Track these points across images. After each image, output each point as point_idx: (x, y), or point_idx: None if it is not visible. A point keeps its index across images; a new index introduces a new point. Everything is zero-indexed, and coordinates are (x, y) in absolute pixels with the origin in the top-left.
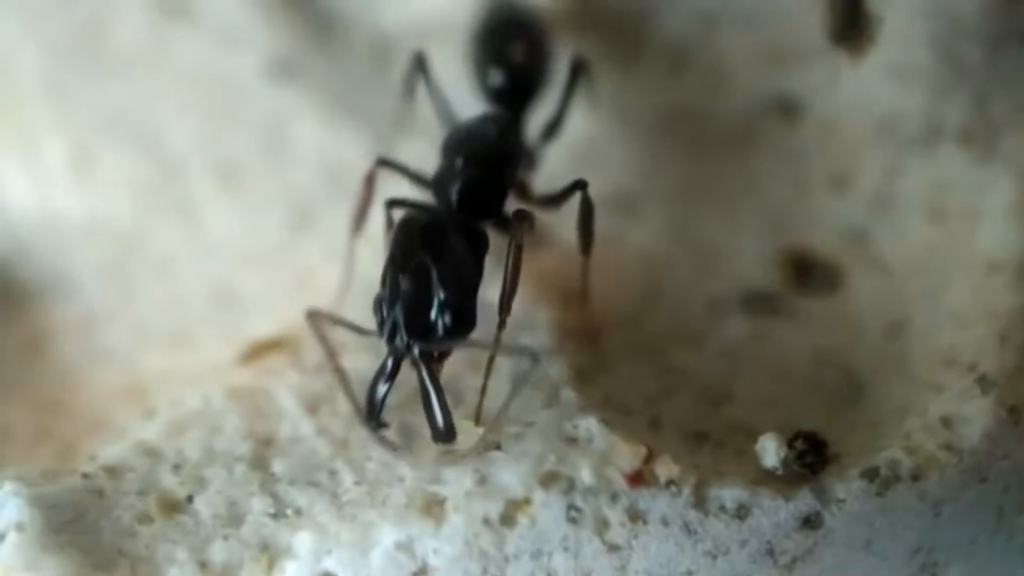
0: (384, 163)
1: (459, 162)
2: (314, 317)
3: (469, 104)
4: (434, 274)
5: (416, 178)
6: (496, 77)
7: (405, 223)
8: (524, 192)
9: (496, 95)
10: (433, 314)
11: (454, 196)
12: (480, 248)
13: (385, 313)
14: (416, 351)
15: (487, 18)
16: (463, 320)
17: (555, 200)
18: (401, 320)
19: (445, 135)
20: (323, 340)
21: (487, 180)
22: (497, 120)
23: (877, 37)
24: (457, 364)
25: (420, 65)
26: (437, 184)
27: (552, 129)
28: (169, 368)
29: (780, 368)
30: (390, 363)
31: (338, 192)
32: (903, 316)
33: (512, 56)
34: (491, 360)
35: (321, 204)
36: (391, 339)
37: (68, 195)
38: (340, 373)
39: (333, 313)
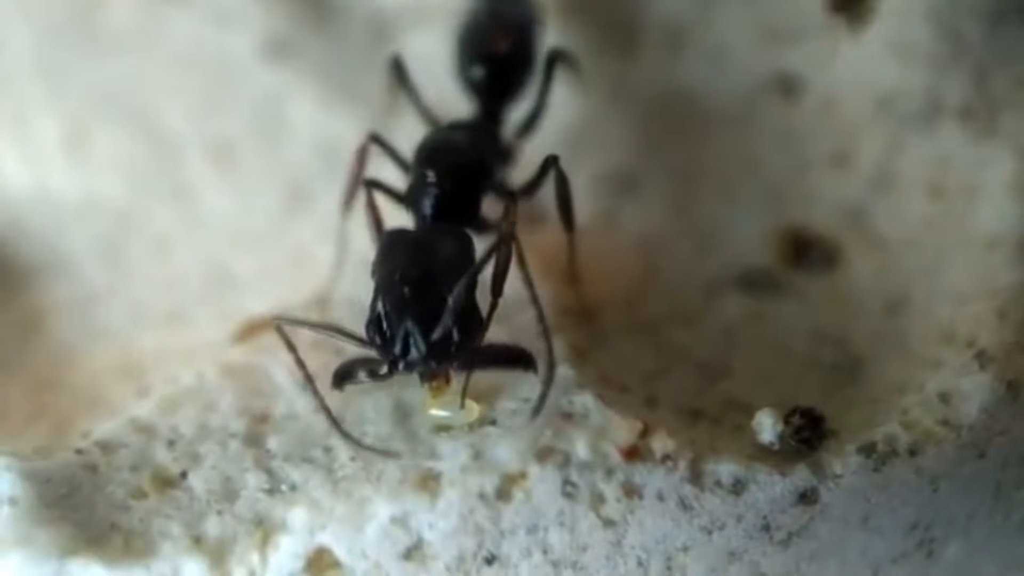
0: (376, 139)
1: (431, 176)
2: (281, 323)
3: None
4: (440, 283)
5: (402, 162)
6: (477, 71)
7: (391, 240)
8: (502, 190)
9: (477, 89)
10: (448, 322)
11: (427, 211)
12: (469, 251)
13: (392, 329)
14: (434, 364)
15: (473, 11)
16: (473, 325)
17: (534, 185)
18: (416, 332)
19: (417, 146)
20: (292, 348)
21: (460, 192)
22: (469, 127)
23: (877, 6)
24: None
25: (398, 69)
26: (411, 197)
27: (530, 124)
28: (164, 347)
29: (778, 345)
30: (384, 369)
31: (334, 172)
32: (902, 293)
33: (493, 50)
34: (484, 327)
35: (316, 184)
36: (405, 353)
37: (62, 174)
38: (311, 382)
39: (299, 318)
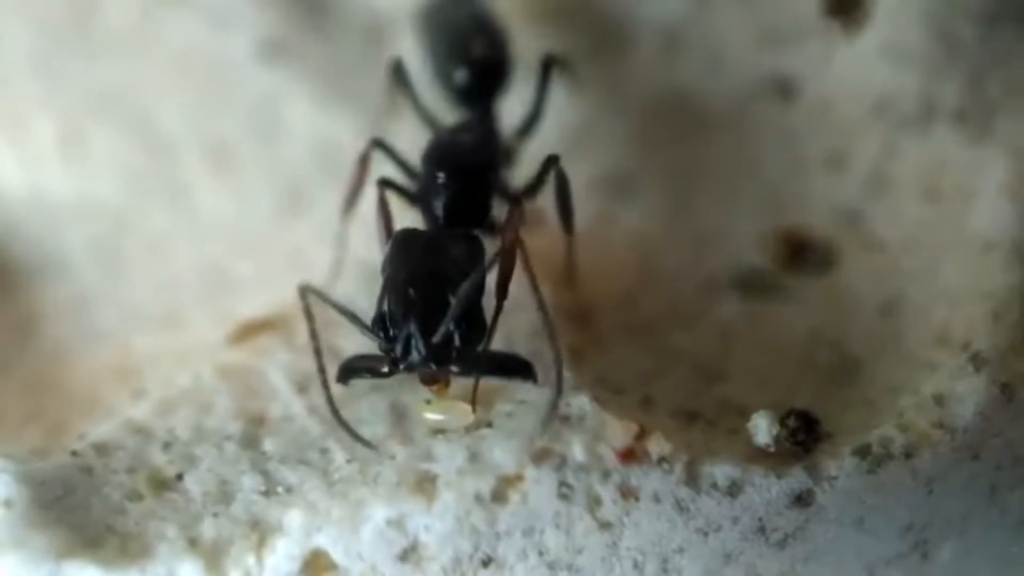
0: (378, 144)
1: (441, 177)
2: (305, 291)
3: None
4: (447, 286)
5: (405, 166)
6: (461, 76)
7: (402, 239)
8: (504, 191)
9: (462, 94)
10: (450, 327)
11: (440, 212)
12: (479, 255)
13: (395, 329)
14: (433, 367)
15: (438, 16)
16: (476, 330)
17: (535, 186)
18: (417, 334)
19: (425, 148)
20: (309, 316)
21: (471, 192)
22: (473, 128)
23: (872, 9)
24: None
25: (398, 73)
26: (423, 199)
27: (528, 127)
28: (160, 348)
29: (773, 347)
30: (386, 368)
31: (330, 173)
32: (897, 295)
33: (473, 52)
34: (490, 333)
35: (313, 185)
36: (406, 354)
37: (58, 175)
38: (319, 354)
39: (326, 293)
